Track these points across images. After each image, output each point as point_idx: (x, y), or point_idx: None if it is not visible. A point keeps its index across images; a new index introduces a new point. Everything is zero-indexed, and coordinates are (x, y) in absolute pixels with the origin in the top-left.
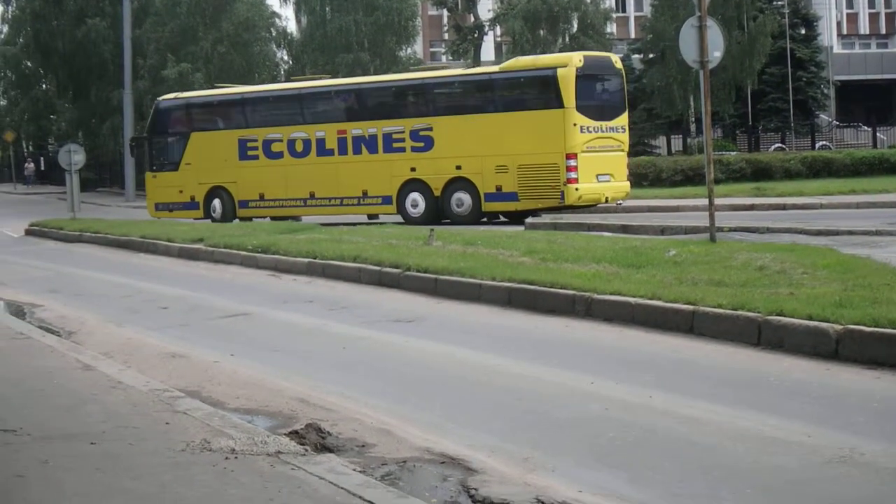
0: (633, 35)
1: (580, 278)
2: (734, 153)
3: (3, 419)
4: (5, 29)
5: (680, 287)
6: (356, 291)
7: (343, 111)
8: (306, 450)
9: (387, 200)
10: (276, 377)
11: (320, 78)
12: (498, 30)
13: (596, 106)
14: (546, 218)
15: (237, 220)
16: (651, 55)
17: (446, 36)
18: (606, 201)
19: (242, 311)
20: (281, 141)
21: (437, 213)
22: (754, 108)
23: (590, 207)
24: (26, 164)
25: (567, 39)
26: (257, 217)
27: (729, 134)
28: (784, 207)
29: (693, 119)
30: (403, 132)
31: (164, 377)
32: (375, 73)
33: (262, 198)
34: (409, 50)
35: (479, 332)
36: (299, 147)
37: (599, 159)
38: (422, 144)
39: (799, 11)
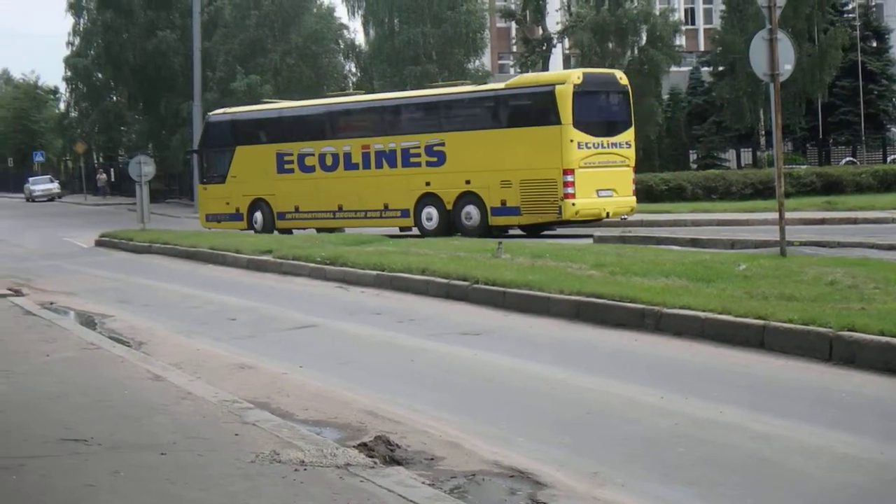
0: (702, 47)
1: (649, 292)
2: (804, 167)
3: (74, 428)
4: (77, 41)
5: (750, 301)
6: (424, 304)
7: (366, 127)
8: (375, 462)
9: (405, 213)
10: (344, 389)
11: (354, 94)
12: (566, 42)
13: (597, 122)
14: (615, 231)
15: (276, 232)
16: (720, 68)
17: (514, 48)
18: (608, 216)
19: (310, 323)
20: (313, 155)
21: (449, 226)
22: (825, 121)
23: (594, 222)
24: (98, 175)
25: (636, 52)
26: (293, 228)
27: (799, 147)
28: (855, 221)
29: (763, 132)
30: (419, 147)
31: (232, 388)
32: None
33: (297, 210)
34: (476, 62)
35: (547, 346)
36: (329, 161)
37: (600, 175)
38: (435, 159)
39: (870, 24)
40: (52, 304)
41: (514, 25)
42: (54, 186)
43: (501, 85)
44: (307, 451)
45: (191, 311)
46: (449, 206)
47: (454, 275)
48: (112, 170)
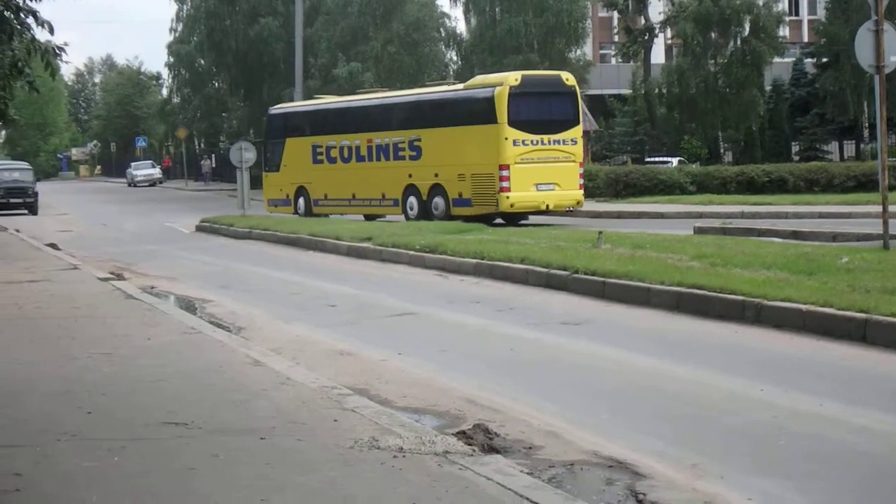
0: (805, 39)
1: (750, 284)
2: None
3: (176, 412)
4: (180, 27)
5: (852, 295)
6: (523, 293)
7: (370, 123)
8: (474, 450)
9: (396, 202)
10: (443, 377)
11: (378, 91)
12: (668, 32)
13: (536, 121)
14: (715, 223)
15: (313, 217)
16: (824, 59)
17: (616, 38)
18: (547, 209)
19: (410, 311)
20: (335, 147)
21: (425, 215)
22: None
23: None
24: (202, 161)
25: (738, 42)
26: (324, 214)
27: None
28: None
29: (866, 124)
30: (404, 142)
31: (332, 374)
32: None
33: (326, 197)
34: (578, 52)
35: (647, 337)
36: (346, 153)
37: (539, 170)
38: (415, 154)
39: None
40: (153, 288)
41: (616, 15)
42: (156, 172)
43: (461, 86)
44: (406, 438)
45: (291, 297)
46: (424, 197)
47: (554, 264)
48: (213, 156)
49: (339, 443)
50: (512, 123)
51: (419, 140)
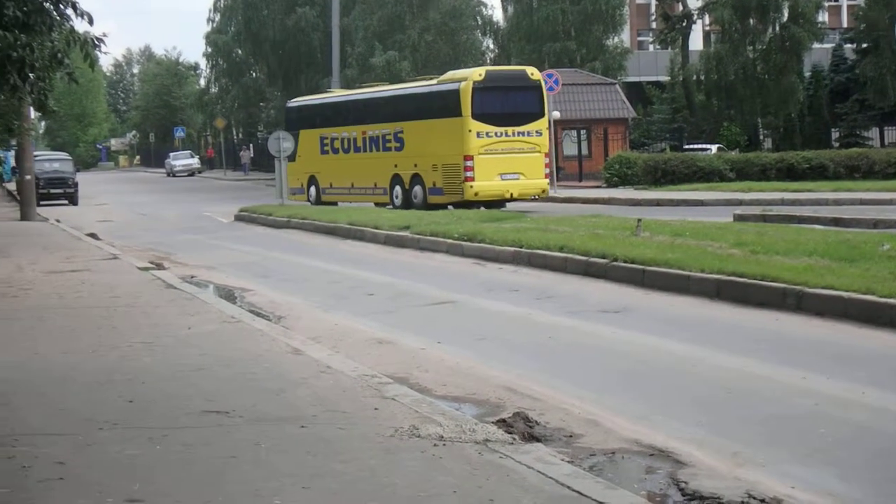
0: (845, 24)
1: (791, 271)
2: None
3: (216, 400)
4: (217, 17)
5: (894, 282)
6: (562, 281)
7: (364, 116)
8: (514, 438)
9: (385, 191)
10: (482, 365)
11: (376, 86)
12: (706, 18)
13: (500, 114)
14: (755, 210)
15: (322, 204)
16: (864, 45)
17: (654, 24)
18: (511, 197)
19: (448, 299)
20: (338, 139)
21: (408, 203)
22: None
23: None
24: (242, 152)
25: (777, 28)
26: (331, 202)
27: None
28: None
29: None
30: (390, 134)
31: (371, 363)
32: (582, 63)
33: (331, 186)
34: (615, 39)
35: (687, 324)
36: (346, 145)
37: (503, 160)
38: (399, 145)
39: None
40: (192, 277)
41: (653, 1)
42: (194, 162)
43: (435, 81)
44: (446, 427)
45: (329, 285)
46: (407, 186)
47: (593, 252)
48: (251, 146)
49: (379, 431)
50: (476, 116)
51: (402, 132)
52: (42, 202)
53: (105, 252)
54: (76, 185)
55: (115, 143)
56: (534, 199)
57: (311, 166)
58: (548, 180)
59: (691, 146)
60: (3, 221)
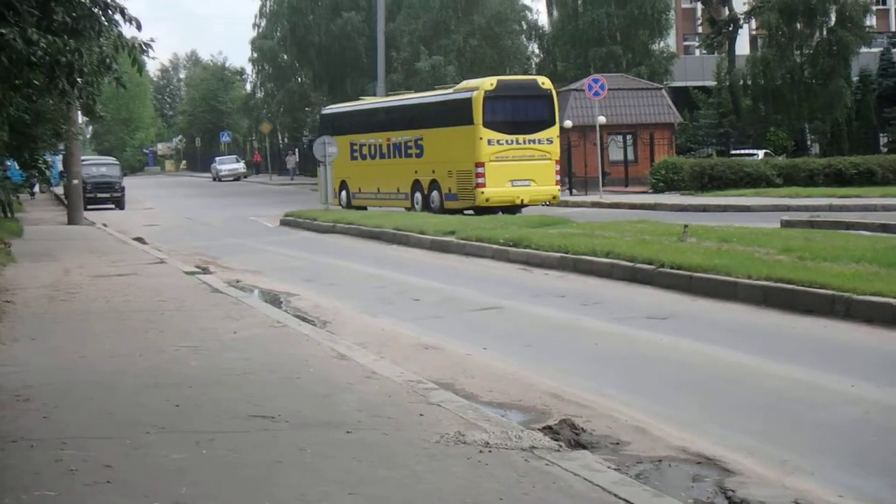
0: (893, 28)
1: (839, 278)
2: None
3: (262, 405)
4: (263, 22)
5: None
6: (608, 287)
7: (388, 123)
8: (560, 446)
9: (406, 196)
10: (528, 371)
11: (403, 94)
12: (753, 23)
13: (512, 122)
14: (802, 216)
15: (353, 209)
16: None
17: (700, 29)
18: (522, 203)
19: (494, 305)
20: (366, 145)
21: (427, 208)
22: None
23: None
24: (288, 156)
25: (824, 32)
26: (361, 206)
27: None
28: None
29: None
30: (411, 141)
31: (417, 368)
32: (627, 67)
33: (360, 190)
34: (661, 43)
35: (734, 331)
36: (373, 151)
37: (514, 167)
38: (419, 152)
39: None
40: (238, 281)
41: (699, 6)
42: (240, 166)
43: (451, 90)
44: (492, 433)
45: (375, 290)
46: (425, 192)
47: (640, 258)
48: (297, 150)
49: (424, 437)
50: (487, 125)
51: (422, 140)
52: (89, 206)
53: (151, 256)
54: (123, 189)
55: (161, 148)
56: (545, 205)
57: (342, 171)
58: (559, 187)
59: (738, 151)
60: (51, 225)
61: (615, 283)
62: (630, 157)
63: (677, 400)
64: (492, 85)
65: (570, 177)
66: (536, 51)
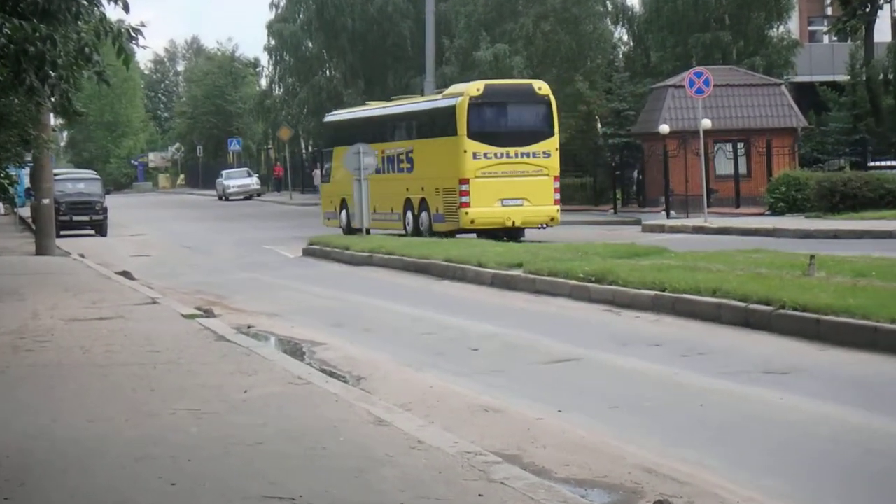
0: None
1: None
2: None
3: (280, 484)
4: (283, 3)
5: None
6: (714, 333)
7: (382, 133)
8: None
9: (399, 217)
10: (615, 440)
11: (409, 98)
12: (895, 3)
13: (502, 133)
14: None
15: (353, 232)
16: None
17: (829, 11)
18: (514, 225)
19: (571, 356)
20: None
21: (417, 231)
22: None
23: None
24: (315, 171)
25: None
26: (360, 229)
27: None
28: None
29: None
30: (403, 154)
31: (475, 436)
32: (738, 58)
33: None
34: (780, 28)
35: (873, 389)
36: None
37: (504, 184)
38: (410, 166)
39: None
40: (249, 327)
41: None
42: (253, 182)
43: (439, 96)
44: None
45: (422, 337)
46: (416, 212)
47: (754, 297)
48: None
49: None
50: (473, 135)
51: (412, 152)
52: (63, 232)
53: (141, 295)
54: (105, 210)
55: (154, 159)
56: (542, 228)
57: (342, 188)
58: (558, 207)
59: (877, 163)
60: (15, 256)
61: (723, 329)
62: (742, 170)
63: (799, 475)
64: (478, 90)
65: (667, 195)
66: (625, 37)
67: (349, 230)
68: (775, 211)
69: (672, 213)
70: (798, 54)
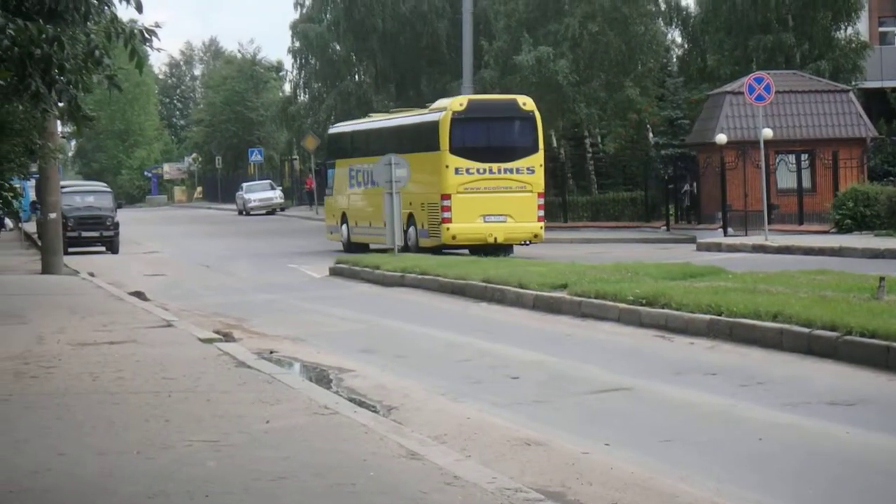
0: None
1: None
2: None
3: None
4: (308, 2)
5: None
6: (775, 361)
7: (377, 147)
8: None
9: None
10: (667, 477)
11: (402, 112)
12: None
13: (484, 148)
14: None
15: (354, 246)
16: None
17: None
18: (496, 241)
19: (620, 385)
20: (361, 172)
21: (405, 247)
22: None
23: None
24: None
25: None
26: (359, 243)
27: None
28: None
29: None
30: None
31: (515, 472)
32: (802, 62)
33: (356, 224)
34: (849, 30)
35: None
36: (365, 179)
37: (486, 200)
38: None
39: None
40: (272, 353)
41: None
42: (276, 195)
43: (426, 111)
44: None
45: (458, 365)
46: (405, 227)
47: (818, 322)
48: None
49: None
50: (455, 151)
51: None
52: (71, 249)
53: (155, 317)
54: (117, 225)
55: (169, 170)
56: (525, 244)
57: (342, 202)
58: (542, 223)
59: None
60: (19, 275)
61: (785, 356)
62: (805, 183)
63: None
64: (461, 105)
65: (724, 211)
66: (678, 39)
67: (349, 246)
68: (842, 228)
69: (729, 230)
70: (868, 58)
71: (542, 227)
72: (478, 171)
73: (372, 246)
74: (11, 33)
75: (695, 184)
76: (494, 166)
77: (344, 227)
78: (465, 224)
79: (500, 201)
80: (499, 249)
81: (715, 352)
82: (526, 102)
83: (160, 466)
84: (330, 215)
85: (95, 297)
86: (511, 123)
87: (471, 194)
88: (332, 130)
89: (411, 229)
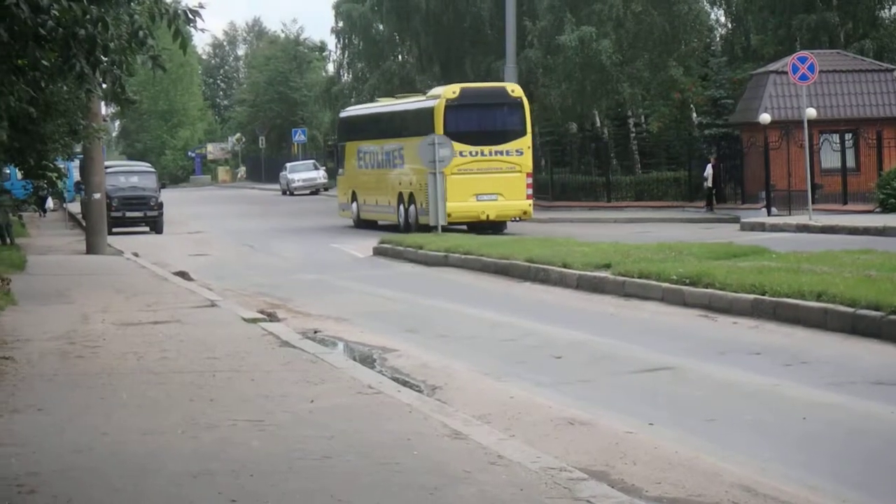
0: None
1: None
2: None
3: (350, 501)
4: None
5: None
6: (820, 340)
7: (382, 130)
8: None
9: (394, 210)
10: (710, 455)
11: (408, 96)
12: None
13: (476, 132)
14: None
15: (362, 222)
16: None
17: None
18: (488, 219)
19: (664, 364)
20: (368, 153)
21: (407, 225)
22: None
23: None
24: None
25: None
26: (368, 220)
27: None
28: None
29: None
30: (396, 151)
31: (559, 451)
32: (847, 41)
33: (364, 202)
34: (893, 8)
35: None
36: (371, 160)
37: (479, 180)
38: (401, 162)
39: None
40: (316, 332)
41: None
42: (319, 175)
43: (423, 97)
44: None
45: (502, 344)
46: (406, 206)
47: (863, 301)
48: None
49: None
50: (449, 135)
51: (403, 149)
52: (115, 229)
53: (199, 297)
54: (161, 206)
55: (212, 150)
56: (515, 220)
57: (352, 181)
58: (530, 201)
59: None
60: (64, 255)
61: (829, 336)
62: (850, 163)
63: None
64: (454, 93)
65: (768, 191)
66: (722, 19)
67: (358, 220)
68: (886, 208)
69: (773, 210)
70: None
71: (530, 205)
72: (470, 153)
73: (380, 222)
74: (56, 14)
75: (720, 166)
76: (486, 149)
77: (354, 204)
78: (459, 203)
79: (491, 181)
80: (494, 226)
81: (759, 331)
82: (514, 89)
83: (204, 446)
84: (342, 193)
85: (139, 277)
86: (501, 109)
87: (464, 175)
88: (343, 114)
89: (412, 207)
